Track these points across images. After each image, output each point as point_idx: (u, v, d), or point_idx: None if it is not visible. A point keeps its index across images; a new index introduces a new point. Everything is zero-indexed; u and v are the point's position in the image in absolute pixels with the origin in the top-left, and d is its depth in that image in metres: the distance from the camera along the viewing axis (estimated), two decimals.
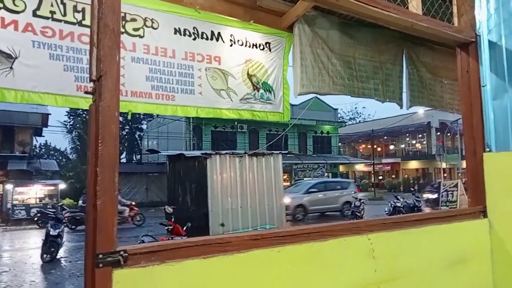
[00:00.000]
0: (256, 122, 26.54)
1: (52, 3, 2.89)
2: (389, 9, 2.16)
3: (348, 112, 54.75)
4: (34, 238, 14.08)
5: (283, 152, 15.39)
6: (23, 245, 13.19)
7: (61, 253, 10.89)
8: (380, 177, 42.76)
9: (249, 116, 3.81)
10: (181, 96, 3.44)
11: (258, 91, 3.80)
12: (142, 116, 36.47)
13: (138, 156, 37.74)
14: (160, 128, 30.66)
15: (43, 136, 30.01)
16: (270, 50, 3.86)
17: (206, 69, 3.54)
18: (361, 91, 3.72)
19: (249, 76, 3.75)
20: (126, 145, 37.73)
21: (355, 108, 54.29)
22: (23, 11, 2.80)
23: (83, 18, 3.01)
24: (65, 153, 36.58)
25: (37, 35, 2.85)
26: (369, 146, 39.66)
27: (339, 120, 37.91)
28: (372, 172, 38.03)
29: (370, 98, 3.82)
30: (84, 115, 38.22)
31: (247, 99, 3.75)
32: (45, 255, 10.05)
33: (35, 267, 9.68)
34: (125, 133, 37.30)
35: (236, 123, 27.61)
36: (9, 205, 20.16)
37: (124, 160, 36.45)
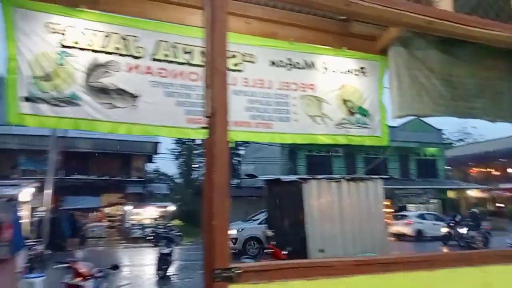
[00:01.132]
0: (352, 146, 25.85)
1: (166, 47, 3.36)
2: (489, 27, 2.04)
3: (456, 133, 49.66)
4: (148, 256, 15.51)
5: (383, 176, 14.65)
6: (140, 262, 14.63)
7: (172, 270, 11.79)
8: (500, 205, 37.57)
9: (345, 141, 3.82)
10: (278, 124, 3.62)
11: (353, 115, 3.80)
12: (239, 142, 38.32)
13: (237, 181, 39.38)
14: (256, 153, 31.73)
15: (154, 163, 33.37)
16: (364, 75, 3.86)
17: (301, 97, 3.69)
18: (467, 111, 3.46)
19: (344, 102, 3.79)
20: None
21: (464, 128, 48.84)
22: (143, 56, 3.30)
23: (191, 59, 3.42)
24: (172, 178, 40.08)
25: (154, 76, 3.32)
26: (484, 170, 35.36)
27: (444, 142, 34.74)
28: (489, 198, 33.63)
29: (478, 118, 3.52)
30: (189, 143, 41.57)
31: (343, 124, 3.77)
32: (159, 272, 11.05)
33: (150, 282, 10.66)
34: None
35: (331, 147, 27.26)
36: (127, 225, 22.73)
37: None
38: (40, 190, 15.77)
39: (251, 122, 3.53)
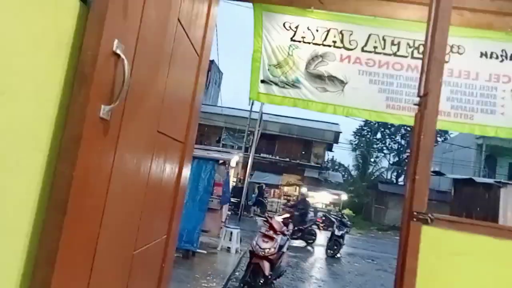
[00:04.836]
0: None
1: (376, 40, 3.79)
2: None
3: None
4: (318, 236, 16.49)
5: None
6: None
7: (342, 252, 12.40)
8: None
9: None
10: (480, 115, 3.61)
11: None
12: None
13: None
14: (444, 154, 28.90)
15: (333, 151, 34.40)
16: None
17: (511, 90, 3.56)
18: None
19: None
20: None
21: None
22: (355, 48, 3.82)
23: (398, 50, 3.75)
24: (348, 168, 40.41)
25: (362, 65, 3.81)
26: None
27: None
28: None
29: None
30: (368, 136, 40.94)
31: None
32: (329, 251, 11.83)
33: (321, 258, 11.56)
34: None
35: None
36: None
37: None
38: (236, 163, 18.70)
39: (451, 111, 3.64)
